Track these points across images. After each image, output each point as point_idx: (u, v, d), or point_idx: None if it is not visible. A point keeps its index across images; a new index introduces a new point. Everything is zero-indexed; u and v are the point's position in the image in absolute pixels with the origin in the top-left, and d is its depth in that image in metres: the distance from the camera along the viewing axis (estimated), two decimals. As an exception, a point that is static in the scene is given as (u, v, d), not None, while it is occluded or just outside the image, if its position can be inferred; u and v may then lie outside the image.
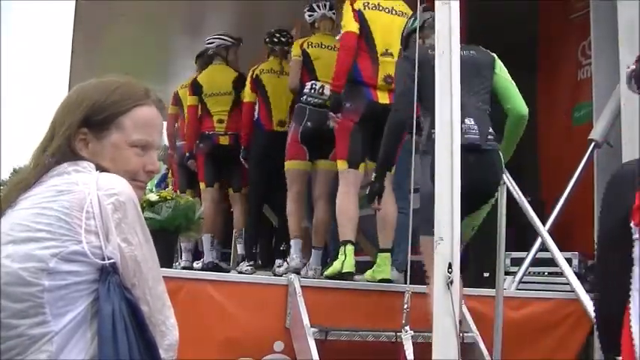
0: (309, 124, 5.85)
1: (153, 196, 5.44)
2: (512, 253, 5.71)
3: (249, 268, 6.56)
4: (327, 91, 5.71)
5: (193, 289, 4.28)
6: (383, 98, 5.14)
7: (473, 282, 5.01)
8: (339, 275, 4.93)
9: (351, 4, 5.25)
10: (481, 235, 7.02)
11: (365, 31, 5.22)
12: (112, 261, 1.72)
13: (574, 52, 6.73)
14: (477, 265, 6.40)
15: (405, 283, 4.07)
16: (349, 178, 5.25)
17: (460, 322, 3.36)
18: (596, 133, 5.45)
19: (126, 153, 1.93)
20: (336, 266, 5.06)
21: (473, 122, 4.10)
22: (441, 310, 3.17)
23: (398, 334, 4.01)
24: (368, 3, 5.26)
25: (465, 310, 4.37)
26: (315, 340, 4.12)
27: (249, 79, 7.03)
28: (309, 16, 6.41)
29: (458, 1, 3.36)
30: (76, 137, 1.89)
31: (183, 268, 7.19)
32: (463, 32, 3.63)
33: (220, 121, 7.34)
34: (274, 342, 4.40)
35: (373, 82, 5.15)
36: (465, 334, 4.27)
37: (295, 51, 6.24)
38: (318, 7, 6.35)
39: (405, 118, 4.21)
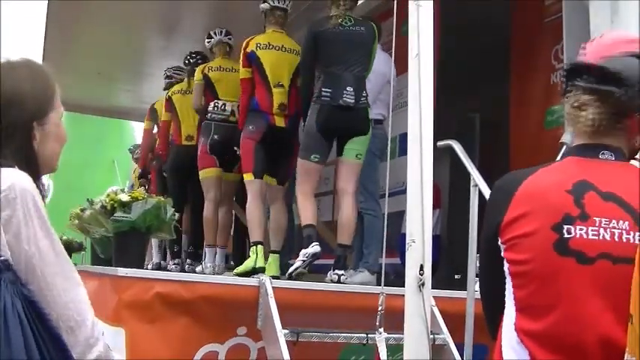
0: (216, 137, 6.71)
1: (124, 197, 5.41)
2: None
3: (174, 266, 7.42)
4: (228, 108, 6.77)
5: (164, 290, 4.26)
6: (279, 122, 5.93)
7: (444, 284, 5.03)
8: (253, 270, 5.48)
9: (244, 49, 6.04)
10: (453, 237, 7.06)
11: (258, 68, 5.96)
12: (2, 258, 1.71)
13: (547, 56, 6.75)
14: (448, 267, 6.42)
15: (379, 285, 4.08)
16: (256, 188, 5.95)
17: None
18: (567, 137, 5.46)
19: (62, 126, 2.00)
20: (248, 264, 5.66)
21: (352, 90, 5.33)
22: (413, 311, 3.17)
23: (369, 335, 4.02)
24: (260, 44, 6.02)
25: (436, 311, 4.38)
26: (287, 341, 4.11)
27: (164, 100, 7.97)
28: (208, 42, 7.35)
29: (430, 2, 3.36)
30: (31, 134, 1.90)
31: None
32: (436, 35, 3.63)
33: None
34: (238, 327, 4.54)
35: (270, 110, 5.92)
36: (437, 336, 4.28)
37: (197, 76, 7.08)
38: (215, 33, 7.29)
39: (309, 81, 5.60)
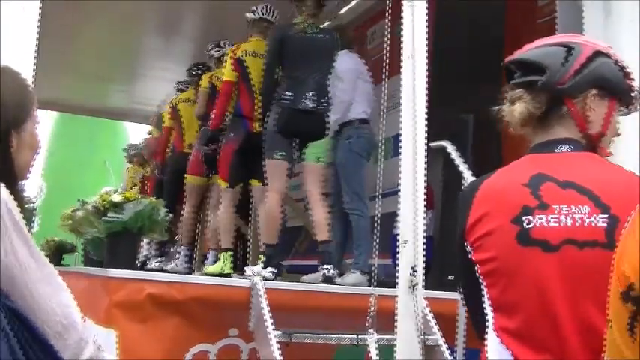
0: (212, 145, 6.68)
1: (116, 197, 5.40)
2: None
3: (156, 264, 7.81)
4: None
5: (155, 291, 4.26)
6: (257, 127, 6.04)
7: (436, 285, 5.03)
8: (219, 275, 5.74)
9: (233, 54, 6.15)
10: (445, 239, 7.06)
11: (244, 75, 6.12)
12: None
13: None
14: (440, 267, 6.42)
15: (370, 286, 4.09)
16: (229, 196, 6.28)
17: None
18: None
19: (36, 136, 1.97)
20: (216, 267, 5.99)
21: (312, 94, 5.40)
22: (404, 312, 3.17)
23: (361, 336, 4.01)
24: (247, 51, 6.15)
25: (427, 312, 4.38)
26: (279, 342, 4.11)
27: (168, 107, 8.16)
28: (217, 51, 7.44)
29: (424, 2, 3.36)
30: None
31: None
32: (430, 35, 3.63)
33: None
34: (229, 329, 4.55)
35: (251, 116, 6.10)
36: (428, 337, 4.28)
37: (204, 83, 7.21)
38: (224, 44, 7.34)
39: (272, 84, 5.62)
